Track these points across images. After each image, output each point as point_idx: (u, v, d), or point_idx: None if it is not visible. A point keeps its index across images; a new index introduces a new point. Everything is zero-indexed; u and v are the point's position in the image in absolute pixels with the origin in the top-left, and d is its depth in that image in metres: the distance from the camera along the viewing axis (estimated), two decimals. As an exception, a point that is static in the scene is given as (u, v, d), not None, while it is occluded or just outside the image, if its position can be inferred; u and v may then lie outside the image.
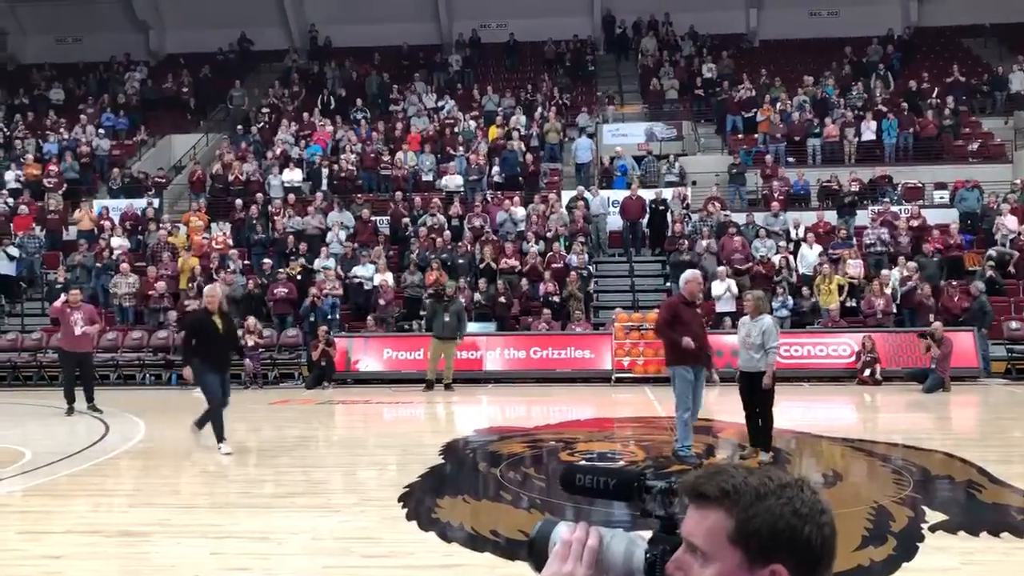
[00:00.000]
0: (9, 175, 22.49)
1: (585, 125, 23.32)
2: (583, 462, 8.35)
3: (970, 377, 15.17)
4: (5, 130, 25.06)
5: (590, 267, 18.24)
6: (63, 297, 13.07)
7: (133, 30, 30.43)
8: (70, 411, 12.38)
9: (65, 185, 22.14)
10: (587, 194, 19.88)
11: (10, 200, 21.18)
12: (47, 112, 26.00)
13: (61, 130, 24.57)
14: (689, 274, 8.78)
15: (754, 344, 8.30)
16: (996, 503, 6.86)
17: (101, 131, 24.54)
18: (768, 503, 1.18)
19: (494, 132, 22.92)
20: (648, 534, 1.31)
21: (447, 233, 18.87)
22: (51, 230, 20.52)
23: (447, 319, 15.16)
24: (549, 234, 18.74)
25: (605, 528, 1.30)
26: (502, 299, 17.15)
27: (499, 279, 17.55)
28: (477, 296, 17.27)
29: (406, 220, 19.73)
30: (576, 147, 22.53)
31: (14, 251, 19.08)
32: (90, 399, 12.56)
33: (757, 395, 8.33)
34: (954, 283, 16.66)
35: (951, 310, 15.99)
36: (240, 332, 16.57)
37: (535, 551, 1.32)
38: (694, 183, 21.31)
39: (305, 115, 24.73)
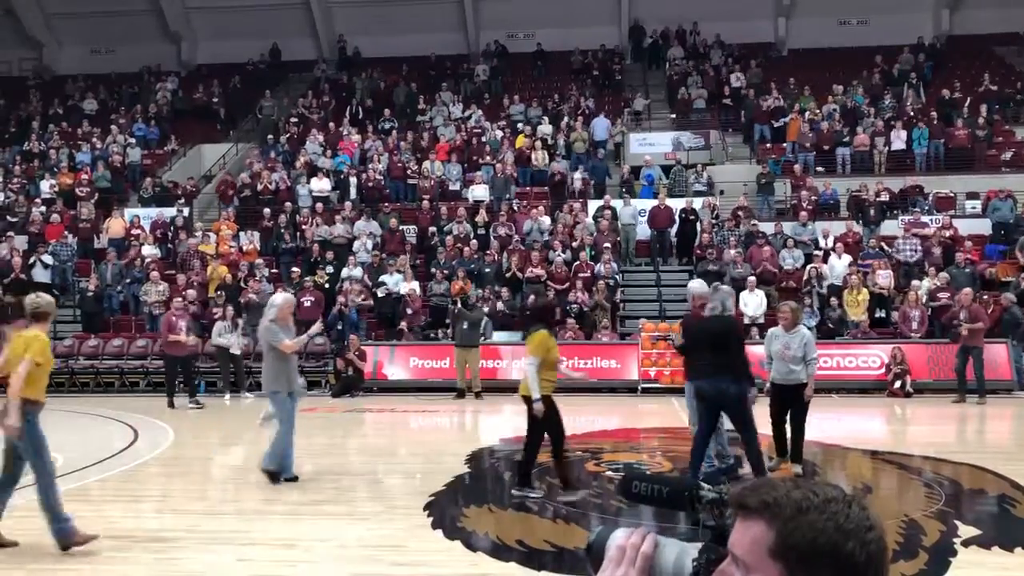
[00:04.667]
0: (44, 184, 22.86)
1: (615, 132, 23.64)
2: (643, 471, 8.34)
3: (1004, 390, 14.95)
4: (40, 140, 25.48)
5: (617, 276, 18.20)
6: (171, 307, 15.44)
7: (165, 41, 30.86)
8: (171, 404, 14.36)
9: (97, 194, 22.47)
10: (614, 203, 19.88)
11: (43, 209, 21.52)
12: (81, 122, 26.41)
13: (94, 140, 24.94)
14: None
15: (795, 356, 8.13)
16: (1031, 518, 6.74)
17: (133, 141, 24.88)
18: (810, 517, 1.16)
19: (521, 141, 22.99)
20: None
21: (473, 242, 18.92)
22: (83, 238, 20.80)
23: (466, 327, 15.32)
24: (575, 244, 18.73)
25: (661, 536, 1.31)
26: (527, 313, 17.15)
27: (525, 288, 17.56)
28: (500, 305, 17.30)
29: (432, 229, 19.81)
30: (594, 125, 23.36)
31: (48, 259, 19.38)
32: (192, 394, 14.74)
33: (796, 407, 8.20)
34: (986, 295, 16.43)
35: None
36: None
37: (593, 555, 1.35)
38: (722, 193, 21.22)
39: (333, 125, 24.93)
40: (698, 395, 7.73)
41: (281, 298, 8.49)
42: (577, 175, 21.74)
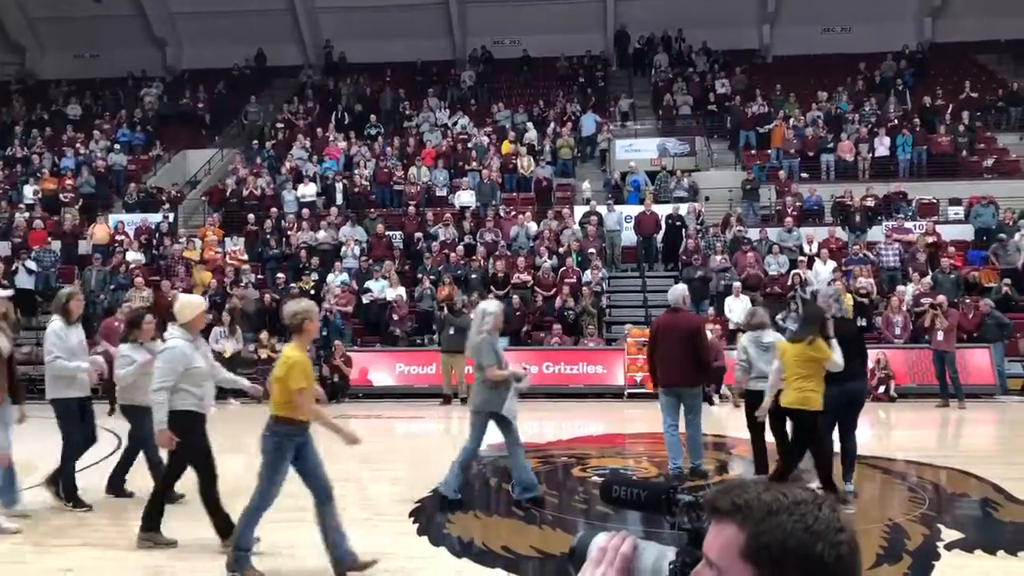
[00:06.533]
0: (27, 190, 22.71)
1: (598, 133, 23.92)
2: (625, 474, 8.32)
3: (986, 394, 15.06)
4: (23, 146, 25.31)
5: (603, 283, 18.23)
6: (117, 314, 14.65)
7: (150, 46, 30.72)
8: (111, 412, 13.36)
9: (81, 200, 22.34)
10: (600, 208, 19.93)
11: (27, 214, 21.37)
12: (64, 127, 26.26)
13: (78, 145, 24.79)
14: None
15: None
16: (1013, 521, 6.80)
17: (117, 146, 24.75)
18: (779, 519, 1.17)
19: (507, 147, 23.02)
20: None
21: (460, 248, 18.92)
22: (67, 244, 20.68)
23: (452, 333, 15.31)
24: (562, 250, 18.76)
25: (641, 540, 1.33)
26: (517, 313, 17.16)
27: (512, 294, 17.57)
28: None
29: (419, 235, 19.80)
30: (582, 121, 24.01)
31: (32, 264, 19.25)
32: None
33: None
34: (968, 299, 16.57)
35: (964, 327, 15.88)
36: (252, 347, 16.72)
37: (575, 558, 1.37)
38: (707, 199, 21.29)
39: (319, 130, 24.88)
40: (846, 399, 7.46)
41: (495, 305, 7.64)
42: (586, 184, 21.78)
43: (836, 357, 7.12)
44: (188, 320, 6.11)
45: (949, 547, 5.94)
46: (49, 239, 20.31)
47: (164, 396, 5.86)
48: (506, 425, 7.20)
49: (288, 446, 5.44)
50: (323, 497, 5.51)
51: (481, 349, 7.18)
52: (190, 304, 6.25)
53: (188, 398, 5.97)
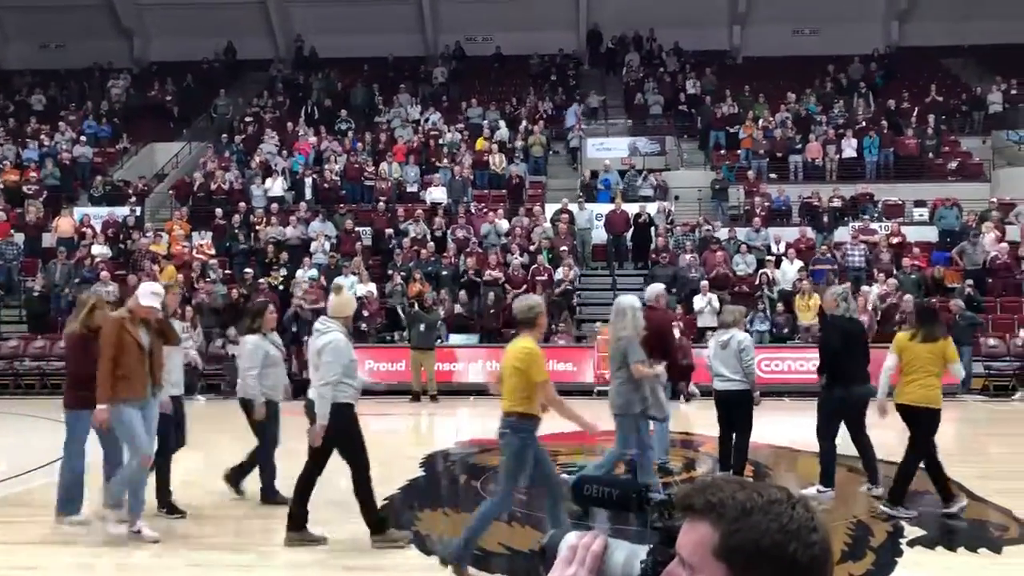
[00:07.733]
0: (-12, 181, 22.33)
1: (571, 128, 24.10)
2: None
3: (949, 393, 15.26)
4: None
5: (576, 281, 18.28)
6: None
7: (117, 37, 30.27)
8: None
9: (46, 192, 22.00)
10: (572, 207, 19.99)
11: (-11, 206, 21.02)
12: (29, 119, 25.81)
13: (42, 137, 24.39)
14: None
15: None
16: (974, 519, 6.92)
17: (83, 138, 24.38)
18: (754, 519, 1.16)
19: (481, 144, 23.00)
20: None
21: (431, 244, 18.88)
22: (30, 237, 20.35)
23: (422, 329, 15.32)
24: (533, 247, 18.79)
25: (612, 538, 1.32)
26: (492, 311, 17.16)
27: (483, 291, 17.57)
28: (458, 308, 17.27)
29: (389, 231, 19.72)
30: (566, 114, 24.33)
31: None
32: None
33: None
34: (932, 299, 16.77)
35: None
36: (220, 342, 16.56)
37: (546, 556, 1.36)
38: (677, 198, 21.42)
39: (289, 125, 24.69)
40: (848, 401, 7.39)
41: (640, 301, 7.43)
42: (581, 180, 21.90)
43: (961, 367, 7.11)
44: (348, 315, 6.29)
45: (912, 544, 6.04)
46: (12, 232, 19.98)
47: (329, 391, 5.82)
48: (646, 426, 7.12)
49: (532, 443, 5.31)
50: (558, 495, 5.38)
51: (631, 347, 6.92)
52: (351, 301, 6.56)
53: (348, 390, 5.94)
